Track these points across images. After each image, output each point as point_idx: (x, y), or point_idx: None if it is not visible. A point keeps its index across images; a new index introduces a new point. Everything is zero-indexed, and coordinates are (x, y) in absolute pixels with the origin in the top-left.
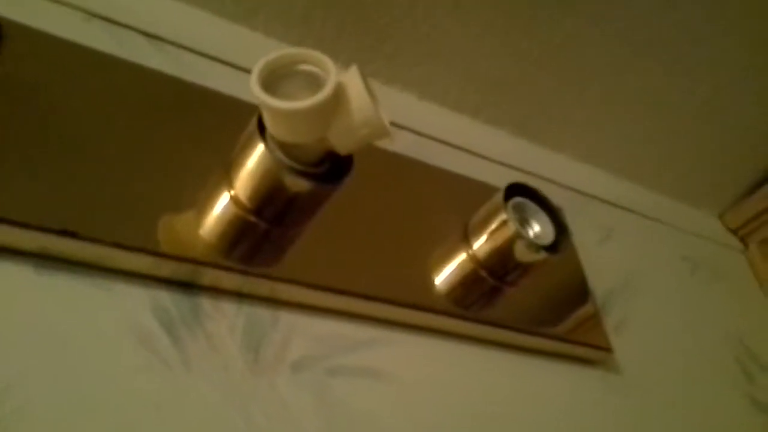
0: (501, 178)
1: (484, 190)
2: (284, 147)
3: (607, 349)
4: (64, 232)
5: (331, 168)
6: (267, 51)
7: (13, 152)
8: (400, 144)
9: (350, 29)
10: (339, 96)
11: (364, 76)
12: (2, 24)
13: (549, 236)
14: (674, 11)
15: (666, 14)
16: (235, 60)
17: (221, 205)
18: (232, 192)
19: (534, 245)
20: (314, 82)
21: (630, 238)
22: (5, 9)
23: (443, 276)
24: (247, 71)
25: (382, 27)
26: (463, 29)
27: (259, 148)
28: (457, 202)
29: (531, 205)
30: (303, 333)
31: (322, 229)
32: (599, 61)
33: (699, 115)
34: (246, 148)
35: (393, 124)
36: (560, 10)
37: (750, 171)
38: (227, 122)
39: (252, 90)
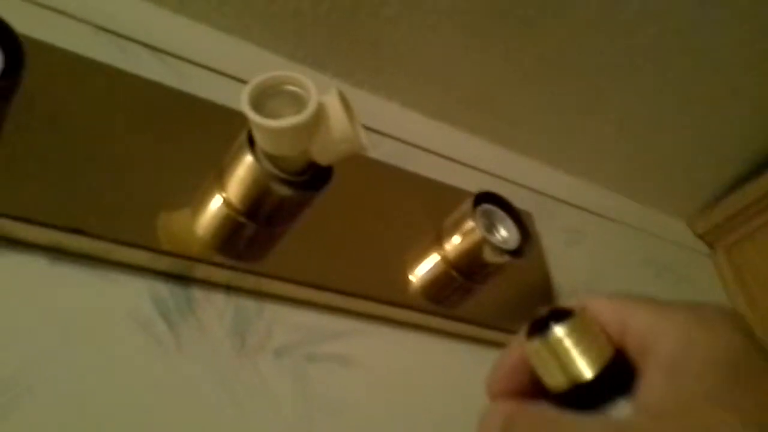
0: (476, 183)
1: (459, 195)
2: (271, 157)
3: None
4: (73, 230)
5: (313, 176)
6: (261, 62)
7: (30, 158)
8: (381, 151)
9: (339, 43)
10: (320, 115)
11: (344, 97)
12: (22, 41)
13: (514, 241)
14: (643, 29)
15: (637, 31)
16: (230, 71)
17: (214, 206)
18: (224, 195)
19: (499, 249)
20: (298, 102)
21: (597, 242)
22: (23, 25)
23: (417, 274)
24: (242, 81)
25: (368, 41)
26: (439, 48)
27: (248, 158)
28: (432, 206)
29: (498, 212)
30: (285, 323)
31: (306, 230)
32: (570, 70)
33: (668, 121)
34: (236, 157)
35: (375, 131)
36: (535, 30)
37: (719, 177)
38: (221, 130)
39: (242, 108)
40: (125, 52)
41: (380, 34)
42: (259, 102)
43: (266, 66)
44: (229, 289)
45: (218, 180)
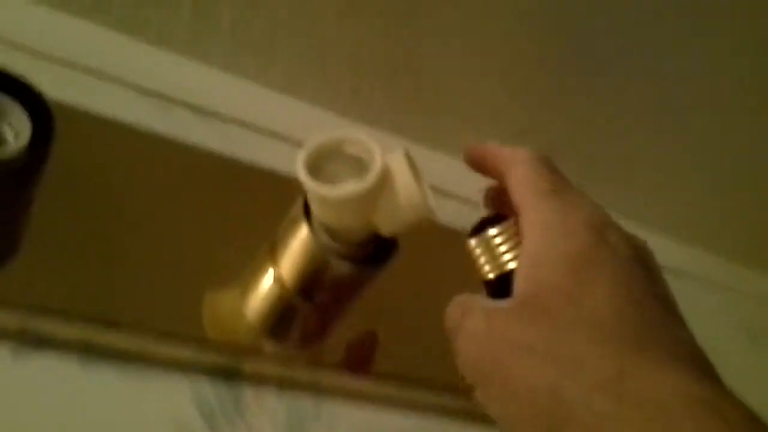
0: None
1: None
2: (329, 229)
3: None
4: (108, 323)
5: (376, 249)
6: (314, 120)
7: (59, 241)
8: (446, 212)
9: (395, 100)
10: (384, 180)
11: (410, 157)
12: (51, 108)
13: None
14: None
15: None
16: (281, 130)
17: (265, 285)
18: (277, 272)
19: None
20: (360, 165)
21: (690, 304)
22: (60, 91)
23: None
24: (294, 142)
25: (426, 98)
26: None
27: (304, 230)
28: None
29: None
30: (347, 423)
31: (364, 312)
32: (655, 131)
33: (758, 175)
34: (291, 229)
35: (438, 190)
36: (614, 80)
37: None
38: (273, 198)
39: (297, 173)
40: (169, 115)
41: (436, 93)
42: (316, 166)
43: (320, 124)
44: (282, 385)
45: (270, 255)
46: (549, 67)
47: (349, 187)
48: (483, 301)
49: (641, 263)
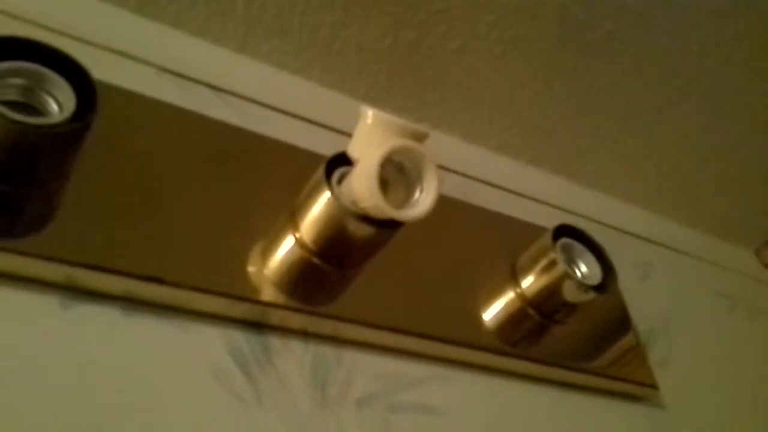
0: (541, 217)
1: (528, 230)
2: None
3: (653, 386)
4: (150, 278)
5: None
6: (323, 100)
7: (101, 203)
8: (447, 186)
9: (399, 80)
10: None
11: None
12: (95, 83)
13: (596, 276)
14: (713, 55)
15: (707, 56)
16: (293, 109)
17: (287, 247)
18: (298, 235)
19: (583, 285)
20: (402, 171)
21: (668, 275)
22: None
23: (493, 314)
24: (305, 119)
25: (428, 78)
26: (504, 79)
27: (326, 195)
28: (502, 241)
29: (578, 246)
30: (364, 370)
31: (379, 270)
32: (637, 105)
33: (735, 151)
34: (312, 194)
35: (439, 166)
36: (599, 59)
37: None
38: (288, 169)
39: (371, 192)
40: (189, 93)
41: (445, 67)
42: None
43: (328, 104)
44: (306, 335)
45: (291, 220)
46: (542, 60)
47: (414, 212)
48: None
49: None
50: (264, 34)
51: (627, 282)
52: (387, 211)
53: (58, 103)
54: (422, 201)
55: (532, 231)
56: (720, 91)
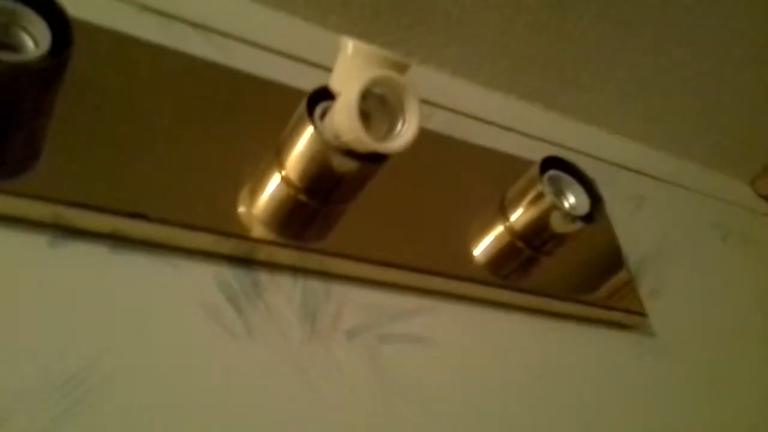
0: (532, 151)
1: (517, 164)
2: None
3: (642, 314)
4: (136, 215)
5: None
6: (307, 36)
7: (84, 142)
8: (435, 121)
9: (385, 13)
10: None
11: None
12: (70, 18)
13: (584, 207)
14: None
15: None
16: (276, 45)
17: (273, 185)
18: (283, 173)
19: (570, 216)
20: (384, 103)
21: (661, 207)
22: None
23: (482, 247)
24: (287, 56)
25: (415, 11)
26: (493, 11)
27: (309, 131)
28: (491, 176)
29: (566, 178)
30: (353, 303)
31: (367, 205)
32: (628, 37)
33: (729, 80)
34: (296, 131)
35: (427, 102)
36: None
37: None
38: (272, 106)
39: (351, 125)
40: (170, 31)
41: (427, 4)
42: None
43: (312, 40)
44: (294, 270)
45: (276, 157)
46: None
47: (396, 143)
48: None
49: None
50: None
51: (619, 215)
52: (369, 144)
53: (34, 39)
54: (404, 133)
55: (522, 165)
56: (712, 20)
